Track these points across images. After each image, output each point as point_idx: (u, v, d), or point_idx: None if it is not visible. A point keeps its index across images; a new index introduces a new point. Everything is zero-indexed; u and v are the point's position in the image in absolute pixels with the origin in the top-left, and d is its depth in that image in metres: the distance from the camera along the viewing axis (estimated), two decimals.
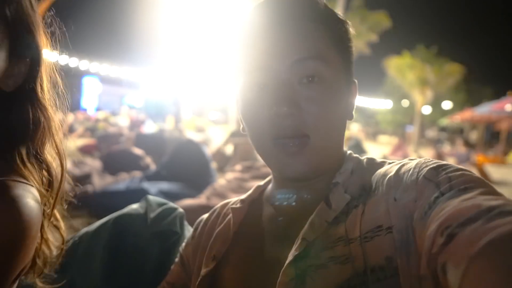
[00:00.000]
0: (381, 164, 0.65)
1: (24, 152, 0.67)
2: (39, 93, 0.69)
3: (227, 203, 0.80)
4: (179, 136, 6.47)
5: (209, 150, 6.56)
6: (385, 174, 0.59)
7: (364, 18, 18.77)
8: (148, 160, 5.09)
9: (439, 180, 0.50)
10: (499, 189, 0.47)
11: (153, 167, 4.91)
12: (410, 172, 0.55)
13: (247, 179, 3.61)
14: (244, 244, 0.69)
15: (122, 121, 10.27)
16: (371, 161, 0.67)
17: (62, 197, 0.77)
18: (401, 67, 24.79)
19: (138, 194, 3.50)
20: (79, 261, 0.94)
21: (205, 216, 0.83)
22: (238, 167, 3.92)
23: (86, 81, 22.83)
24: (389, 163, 0.63)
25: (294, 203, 0.67)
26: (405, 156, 10.14)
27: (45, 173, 0.70)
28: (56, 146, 0.73)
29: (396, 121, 39.87)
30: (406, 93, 27.97)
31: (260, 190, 0.76)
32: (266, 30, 0.61)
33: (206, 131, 10.09)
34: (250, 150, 5.75)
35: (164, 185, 3.57)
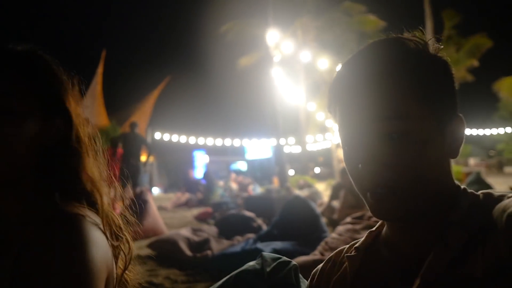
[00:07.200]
0: (500, 199, 0.61)
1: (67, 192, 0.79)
2: (76, 145, 0.81)
3: (342, 251, 0.82)
4: (287, 194, 6.56)
5: (317, 206, 6.50)
6: (504, 210, 0.56)
7: (461, 46, 17.79)
8: (260, 221, 5.23)
9: None
10: None
11: (265, 227, 5.02)
12: None
13: (359, 230, 3.49)
14: None
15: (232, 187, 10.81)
16: (488, 195, 0.64)
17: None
18: None
19: (253, 255, 3.60)
20: None
21: (320, 266, 0.85)
22: (348, 219, 3.83)
23: (196, 154, 24.89)
24: (509, 197, 0.60)
25: (409, 244, 0.66)
26: None
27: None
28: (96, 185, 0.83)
29: None
30: None
31: (373, 235, 0.77)
32: (351, 87, 0.64)
33: (312, 186, 10.01)
34: (354, 201, 5.57)
35: (278, 244, 3.62)
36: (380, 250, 0.73)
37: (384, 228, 0.74)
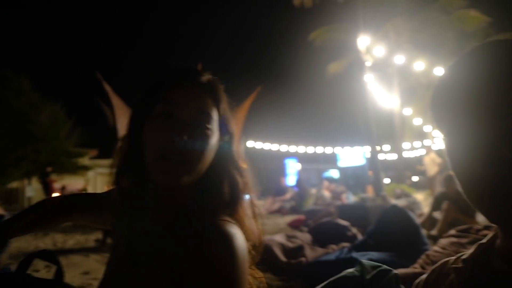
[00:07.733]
0: None
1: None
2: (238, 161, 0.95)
3: (447, 262, 0.79)
4: (383, 204, 6.32)
5: (417, 217, 6.15)
6: None
7: None
8: (354, 230, 5.13)
9: None
10: None
11: (360, 237, 4.91)
12: None
13: (465, 244, 3.24)
14: None
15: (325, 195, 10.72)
16: None
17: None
18: None
19: (348, 264, 3.56)
20: None
21: (424, 276, 0.83)
22: (453, 231, 3.58)
23: (287, 162, 25.13)
24: None
25: None
26: None
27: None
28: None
29: None
30: None
31: (484, 247, 0.72)
32: (466, 88, 0.61)
33: (410, 196, 9.47)
34: (459, 214, 5.17)
35: (374, 255, 3.53)
36: (493, 263, 0.68)
37: (499, 240, 0.69)
